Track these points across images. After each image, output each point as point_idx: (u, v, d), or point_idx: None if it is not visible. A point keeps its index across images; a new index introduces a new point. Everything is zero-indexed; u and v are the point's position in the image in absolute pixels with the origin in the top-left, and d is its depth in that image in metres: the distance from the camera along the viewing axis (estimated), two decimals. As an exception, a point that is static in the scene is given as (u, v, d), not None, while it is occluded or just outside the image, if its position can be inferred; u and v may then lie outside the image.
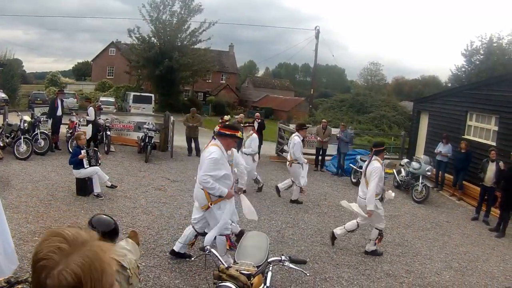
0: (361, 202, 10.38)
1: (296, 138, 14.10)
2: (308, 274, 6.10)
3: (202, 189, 7.89)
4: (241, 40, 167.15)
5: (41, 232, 9.25)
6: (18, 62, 65.16)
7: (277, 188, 14.62)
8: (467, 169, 17.38)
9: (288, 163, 14.52)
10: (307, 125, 16.14)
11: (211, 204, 7.93)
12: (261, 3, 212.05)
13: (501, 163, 14.13)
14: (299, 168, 14.12)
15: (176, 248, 8.65)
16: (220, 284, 4.53)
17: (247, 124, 15.69)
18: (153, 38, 55.51)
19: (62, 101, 18.88)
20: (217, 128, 9.34)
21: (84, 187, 12.47)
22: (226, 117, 15.05)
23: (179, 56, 52.69)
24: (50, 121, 18.77)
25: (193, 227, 8.51)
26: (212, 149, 7.78)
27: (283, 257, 4.97)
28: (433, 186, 17.99)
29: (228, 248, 7.98)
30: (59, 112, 18.50)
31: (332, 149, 21.72)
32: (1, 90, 34.85)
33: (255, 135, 15.38)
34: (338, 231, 10.63)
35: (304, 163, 14.07)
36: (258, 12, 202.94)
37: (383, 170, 10.33)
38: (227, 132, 7.97)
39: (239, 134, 8.19)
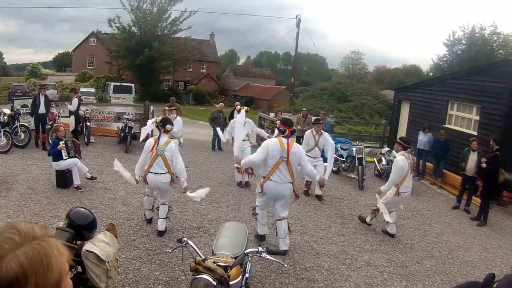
0: (409, 193, 11.28)
1: (307, 132, 14.34)
2: (286, 266, 6.14)
3: (291, 182, 9.01)
4: (222, 29, 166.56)
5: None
6: (-2, 54, 64.68)
7: (306, 192, 14.52)
8: (446, 158, 17.50)
9: None
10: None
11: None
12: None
13: (483, 161, 14.14)
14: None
15: (285, 243, 9.27)
16: (196, 277, 4.54)
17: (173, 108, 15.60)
18: (133, 28, 55.20)
19: (46, 97, 18.08)
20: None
21: (64, 179, 12.44)
22: (238, 107, 15.09)
23: (159, 46, 52.49)
24: (33, 119, 18.16)
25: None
26: (299, 145, 9.40)
27: (260, 249, 4.97)
28: (414, 175, 18.08)
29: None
30: (41, 109, 17.68)
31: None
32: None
33: (179, 118, 15.31)
34: (392, 230, 11.09)
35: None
36: (239, 0, 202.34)
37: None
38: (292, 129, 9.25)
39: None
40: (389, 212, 10.82)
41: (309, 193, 14.48)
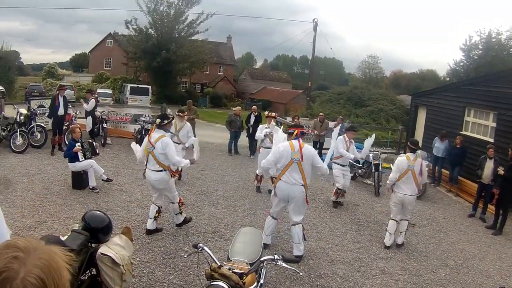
0: (408, 199, 10.76)
1: (340, 137, 14.10)
2: (301, 274, 6.10)
3: (302, 185, 9.03)
4: (239, 32, 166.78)
5: (36, 226, 9.25)
6: (15, 54, 64.97)
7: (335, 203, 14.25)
8: (462, 164, 17.37)
9: None
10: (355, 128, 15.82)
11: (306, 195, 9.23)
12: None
13: (500, 169, 14.01)
14: (335, 169, 14.12)
15: (298, 249, 9.29)
16: (212, 283, 4.50)
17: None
18: (150, 30, 55.40)
19: (64, 98, 17.67)
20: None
21: (79, 180, 12.45)
22: (272, 114, 14.98)
23: (176, 48, 52.51)
24: (51, 121, 17.83)
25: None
26: (309, 146, 9.50)
27: (276, 256, 4.95)
28: (430, 182, 17.99)
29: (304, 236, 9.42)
30: (60, 111, 17.21)
31: (329, 143, 21.69)
32: (-2, 83, 34.84)
33: (188, 124, 15.11)
34: (388, 241, 10.76)
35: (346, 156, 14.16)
36: (254, 3, 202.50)
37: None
38: (304, 131, 9.70)
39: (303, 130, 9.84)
40: (391, 220, 10.86)
41: (340, 203, 14.27)
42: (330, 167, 11.76)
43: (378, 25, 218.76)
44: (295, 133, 9.42)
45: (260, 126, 15.38)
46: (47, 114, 18.18)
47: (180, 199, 9.97)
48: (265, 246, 9.23)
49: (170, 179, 9.69)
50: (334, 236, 10.98)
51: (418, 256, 10.42)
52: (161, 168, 9.50)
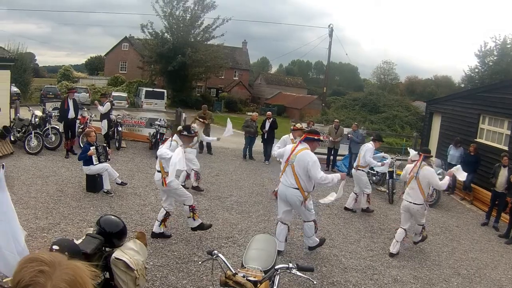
0: (411, 207, 10.62)
1: (368, 145, 14.19)
2: (315, 282, 6.07)
3: (297, 188, 9.11)
4: (254, 37, 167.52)
5: (49, 228, 9.27)
6: (30, 55, 65.35)
7: (346, 209, 14.25)
8: (475, 172, 17.26)
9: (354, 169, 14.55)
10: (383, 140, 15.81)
11: (305, 200, 9.23)
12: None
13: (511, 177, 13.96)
14: (364, 176, 14.17)
15: (308, 242, 9.81)
16: (226, 291, 4.50)
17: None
18: (166, 34, 55.43)
19: (74, 101, 17.56)
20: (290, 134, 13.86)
21: (94, 183, 12.49)
22: (299, 125, 14.87)
23: (192, 52, 52.51)
24: (61, 125, 17.77)
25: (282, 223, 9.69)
26: (310, 153, 9.17)
27: (290, 265, 4.93)
28: (444, 190, 17.91)
29: (316, 230, 9.69)
30: (70, 114, 17.13)
31: (343, 149, 21.70)
32: (13, 84, 34.94)
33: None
34: (393, 249, 10.71)
35: (372, 164, 14.41)
36: (269, 8, 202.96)
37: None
38: (315, 137, 9.41)
39: (321, 137, 9.93)
40: (399, 228, 10.87)
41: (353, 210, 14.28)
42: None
43: (393, 31, 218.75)
44: (302, 137, 9.63)
45: (283, 137, 14.63)
46: (57, 118, 18.15)
47: (192, 205, 9.88)
48: (279, 252, 9.27)
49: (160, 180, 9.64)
50: (347, 243, 10.95)
51: (430, 264, 10.38)
52: (158, 169, 9.69)
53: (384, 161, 14.93)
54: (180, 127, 9.94)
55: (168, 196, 9.80)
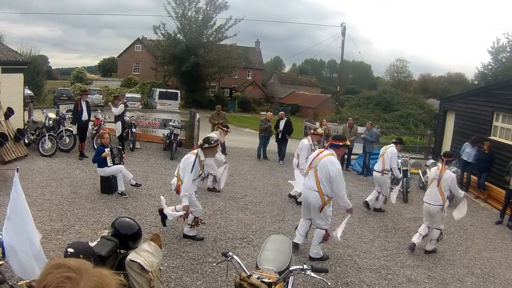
0: (431, 209, 10.78)
1: (392, 149, 14.29)
2: (329, 284, 6.07)
3: (316, 191, 9.22)
4: (267, 36, 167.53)
5: (64, 230, 9.31)
6: (43, 58, 65.68)
7: (366, 203, 14.37)
8: (489, 170, 17.19)
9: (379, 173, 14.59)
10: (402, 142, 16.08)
11: (324, 205, 9.29)
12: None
13: None
14: (389, 180, 14.43)
15: (312, 252, 9.65)
16: (241, 292, 4.50)
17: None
18: (178, 35, 55.48)
19: (87, 103, 17.48)
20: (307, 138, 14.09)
21: (108, 185, 12.52)
22: (320, 130, 14.82)
23: (205, 53, 52.50)
24: (75, 127, 17.66)
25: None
26: (334, 160, 9.18)
27: (305, 266, 4.94)
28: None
29: (323, 240, 9.57)
30: (84, 116, 17.06)
31: (358, 148, 21.63)
32: (26, 87, 35.12)
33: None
34: (414, 238, 10.95)
35: (398, 177, 14.76)
36: (283, 7, 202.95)
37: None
38: (340, 143, 9.46)
39: (347, 142, 9.93)
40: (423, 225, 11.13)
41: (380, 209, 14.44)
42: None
43: (405, 29, 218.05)
44: (328, 143, 9.82)
45: (303, 144, 14.33)
46: (71, 120, 18.06)
47: (198, 219, 9.85)
48: (296, 245, 9.53)
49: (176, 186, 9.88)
50: (361, 243, 10.93)
51: (445, 264, 10.36)
52: (176, 174, 9.96)
53: None
54: (200, 142, 9.91)
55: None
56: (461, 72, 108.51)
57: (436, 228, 10.84)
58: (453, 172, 14.56)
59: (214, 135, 12.85)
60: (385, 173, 14.20)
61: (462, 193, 11.19)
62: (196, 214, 9.75)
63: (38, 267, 5.50)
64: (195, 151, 9.76)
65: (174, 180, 9.82)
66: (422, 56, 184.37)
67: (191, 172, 9.28)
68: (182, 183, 9.45)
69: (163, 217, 9.94)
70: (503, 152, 17.79)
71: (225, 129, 14.57)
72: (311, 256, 9.58)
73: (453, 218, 13.07)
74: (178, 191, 9.64)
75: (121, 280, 1.52)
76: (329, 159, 9.14)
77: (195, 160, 9.37)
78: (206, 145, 9.72)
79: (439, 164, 11.13)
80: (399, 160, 16.24)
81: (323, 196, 9.18)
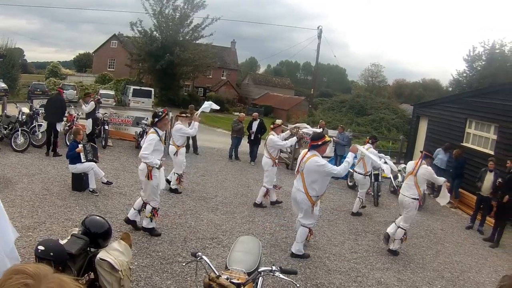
0: (405, 200, 11.05)
1: (371, 150, 14.27)
2: (298, 286, 6.12)
3: (303, 192, 9.50)
4: (243, 37, 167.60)
5: (35, 227, 9.25)
6: (19, 51, 65.02)
7: (353, 214, 14.45)
8: (461, 177, 17.38)
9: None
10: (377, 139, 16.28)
11: (313, 206, 9.63)
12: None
13: (499, 180, 14.10)
14: (369, 181, 14.89)
15: (294, 248, 9.92)
16: (210, 293, 4.54)
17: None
18: (155, 32, 55.27)
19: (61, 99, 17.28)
20: (272, 133, 13.74)
21: (79, 182, 12.47)
22: (278, 121, 14.80)
23: (180, 51, 52.41)
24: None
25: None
26: (317, 159, 9.36)
27: (274, 267, 4.97)
28: (429, 193, 18.03)
29: (307, 239, 10.10)
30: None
31: (329, 151, 21.72)
32: (1, 80, 34.78)
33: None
34: (389, 229, 11.43)
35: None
36: (260, 8, 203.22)
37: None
38: (319, 143, 9.49)
39: (327, 138, 9.75)
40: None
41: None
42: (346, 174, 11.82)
43: (382, 35, 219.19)
44: (308, 144, 9.97)
45: (272, 140, 14.07)
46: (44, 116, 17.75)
47: (154, 209, 9.95)
48: (305, 255, 9.87)
49: (145, 171, 9.76)
50: (331, 245, 11.02)
51: (414, 267, 10.46)
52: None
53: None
54: (150, 120, 10.13)
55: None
56: (436, 78, 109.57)
57: (401, 228, 11.00)
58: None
59: (179, 123, 13.75)
60: (366, 175, 14.47)
61: (441, 179, 11.43)
62: (154, 205, 9.89)
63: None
64: (152, 130, 9.96)
65: (143, 166, 9.79)
66: (398, 62, 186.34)
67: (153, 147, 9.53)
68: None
69: (133, 223, 10.09)
70: (475, 158, 18.05)
71: (183, 115, 14.49)
72: (292, 251, 9.81)
73: (424, 222, 13.23)
74: (150, 177, 9.71)
75: (80, 286, 1.48)
76: (312, 160, 9.35)
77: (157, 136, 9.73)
78: (157, 119, 9.99)
79: (417, 160, 11.41)
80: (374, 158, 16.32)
81: (310, 197, 9.49)
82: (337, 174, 9.50)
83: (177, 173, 13.80)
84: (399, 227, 11.05)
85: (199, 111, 13.43)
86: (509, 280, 2.91)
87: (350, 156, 9.65)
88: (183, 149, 14.40)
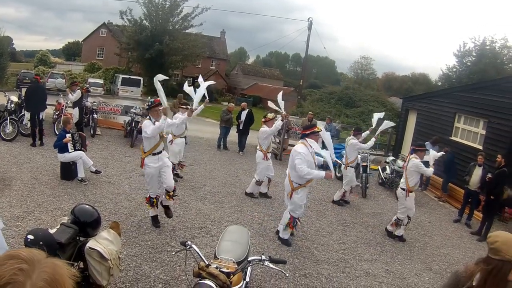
0: (398, 191, 11.96)
1: (353, 141, 14.42)
2: (287, 275, 6.14)
3: (287, 175, 9.94)
4: (233, 27, 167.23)
5: (24, 217, 9.22)
6: (8, 39, 64.53)
7: (333, 202, 14.66)
8: (449, 172, 17.43)
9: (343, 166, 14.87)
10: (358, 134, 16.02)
11: (292, 191, 9.81)
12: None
13: (488, 176, 14.18)
14: (351, 172, 14.67)
15: (280, 231, 10.24)
16: (199, 282, 4.55)
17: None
18: (144, 21, 55.01)
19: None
20: (264, 126, 13.87)
21: (68, 171, 12.46)
22: (270, 115, 14.76)
23: (169, 40, 52.30)
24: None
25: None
26: (298, 148, 9.60)
27: (263, 257, 4.99)
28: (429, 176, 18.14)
29: (289, 226, 10.04)
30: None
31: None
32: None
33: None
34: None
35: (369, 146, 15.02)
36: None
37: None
38: (307, 132, 9.77)
39: (317, 128, 9.91)
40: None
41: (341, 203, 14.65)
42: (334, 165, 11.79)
43: (373, 27, 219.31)
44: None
45: (265, 132, 14.27)
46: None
47: (147, 198, 10.08)
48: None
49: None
50: (319, 236, 11.06)
51: (402, 259, 10.53)
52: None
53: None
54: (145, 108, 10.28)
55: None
56: (426, 73, 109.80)
57: (398, 216, 11.71)
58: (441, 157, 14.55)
59: (178, 115, 13.48)
60: (349, 166, 14.50)
61: (430, 171, 11.77)
62: (152, 195, 9.96)
63: None
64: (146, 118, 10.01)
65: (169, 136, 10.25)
66: (388, 55, 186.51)
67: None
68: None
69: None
70: (464, 153, 18.17)
71: (183, 106, 14.46)
72: (278, 230, 10.27)
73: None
74: (142, 164, 9.97)
75: (74, 272, 1.49)
76: (295, 147, 9.74)
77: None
78: (147, 107, 10.29)
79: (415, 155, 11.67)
80: (359, 156, 16.32)
81: (291, 182, 9.79)
82: (302, 175, 9.47)
83: (172, 162, 13.80)
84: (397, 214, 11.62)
85: (198, 110, 13.37)
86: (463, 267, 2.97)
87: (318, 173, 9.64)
88: (180, 140, 14.40)
